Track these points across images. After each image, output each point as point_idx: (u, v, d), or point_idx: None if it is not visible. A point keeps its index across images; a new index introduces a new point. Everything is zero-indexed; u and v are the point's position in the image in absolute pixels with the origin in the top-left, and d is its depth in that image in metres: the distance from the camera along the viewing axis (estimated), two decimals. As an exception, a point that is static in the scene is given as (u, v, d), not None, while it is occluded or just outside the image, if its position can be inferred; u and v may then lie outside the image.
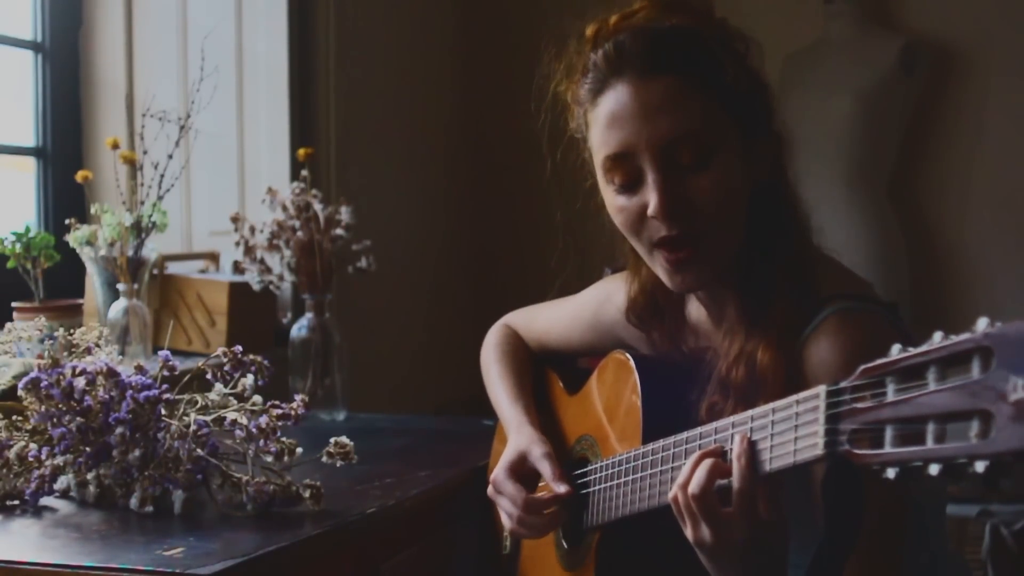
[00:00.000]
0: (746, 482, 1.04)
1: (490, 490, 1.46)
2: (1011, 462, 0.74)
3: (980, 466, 0.76)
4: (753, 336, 1.21)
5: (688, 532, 1.10)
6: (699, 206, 1.20)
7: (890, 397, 0.85)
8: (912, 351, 0.83)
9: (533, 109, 1.34)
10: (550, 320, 1.63)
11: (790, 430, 0.99)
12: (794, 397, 0.99)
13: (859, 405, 0.89)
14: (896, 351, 0.85)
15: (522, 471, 1.43)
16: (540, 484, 1.44)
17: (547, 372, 1.63)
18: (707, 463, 1.07)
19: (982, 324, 0.77)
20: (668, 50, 1.21)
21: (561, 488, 1.36)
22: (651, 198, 1.19)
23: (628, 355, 1.37)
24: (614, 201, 1.25)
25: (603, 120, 1.23)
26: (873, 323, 1.19)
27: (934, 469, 0.79)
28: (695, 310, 1.37)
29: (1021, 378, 0.73)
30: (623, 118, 1.21)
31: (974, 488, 2.65)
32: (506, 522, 1.44)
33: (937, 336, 0.81)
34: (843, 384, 0.91)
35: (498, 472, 1.45)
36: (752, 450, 1.04)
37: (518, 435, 1.48)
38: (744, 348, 1.21)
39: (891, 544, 1.15)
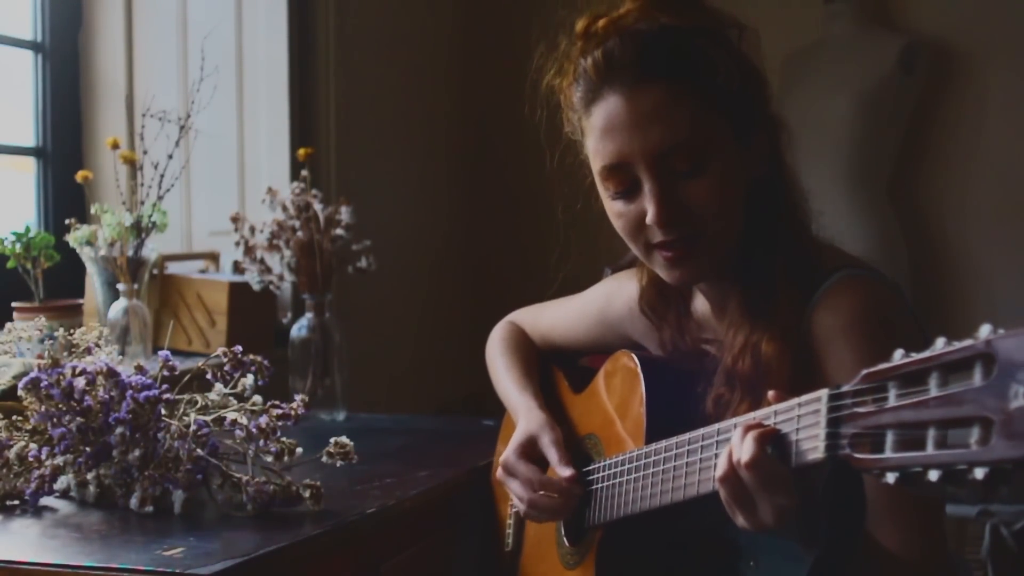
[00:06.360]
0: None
1: (499, 473, 1.44)
2: (1011, 470, 0.74)
3: (980, 473, 0.75)
4: (758, 327, 1.21)
5: (742, 517, 1.04)
6: (696, 211, 1.20)
7: (892, 402, 0.85)
8: (915, 357, 0.83)
9: (527, 108, 1.33)
10: (556, 316, 1.63)
11: (791, 432, 0.99)
12: (796, 400, 0.99)
13: (860, 409, 0.88)
14: (899, 356, 0.85)
15: (533, 454, 1.42)
16: (550, 469, 1.43)
17: (552, 369, 1.63)
18: (753, 433, 1.01)
19: (985, 331, 0.77)
20: (657, 57, 1.20)
21: (566, 472, 1.36)
22: (649, 207, 1.20)
23: (634, 356, 1.37)
24: (612, 207, 1.26)
25: (597, 131, 1.23)
26: (878, 287, 1.21)
27: (934, 475, 0.79)
28: (700, 304, 1.37)
29: (1022, 385, 0.73)
30: (616, 129, 1.20)
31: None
32: (518, 504, 1.43)
33: (940, 342, 0.81)
34: (845, 388, 0.91)
35: (508, 454, 1.43)
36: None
37: (527, 419, 1.47)
38: (749, 339, 1.22)
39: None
